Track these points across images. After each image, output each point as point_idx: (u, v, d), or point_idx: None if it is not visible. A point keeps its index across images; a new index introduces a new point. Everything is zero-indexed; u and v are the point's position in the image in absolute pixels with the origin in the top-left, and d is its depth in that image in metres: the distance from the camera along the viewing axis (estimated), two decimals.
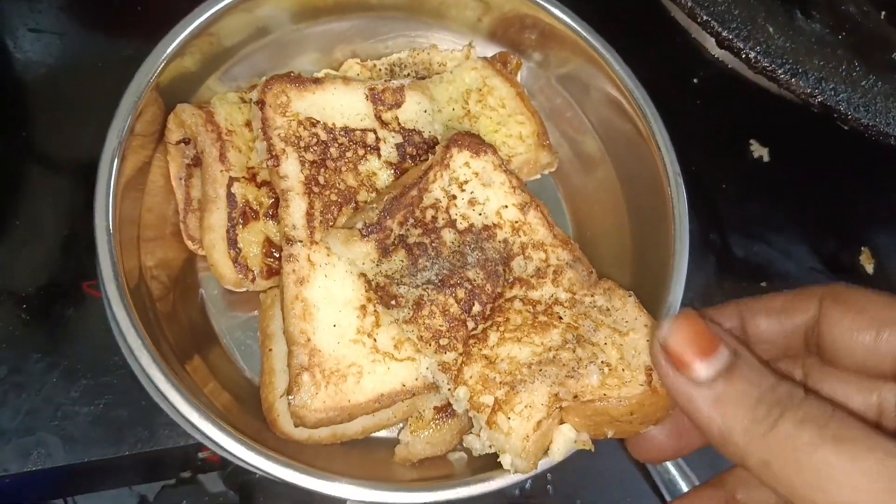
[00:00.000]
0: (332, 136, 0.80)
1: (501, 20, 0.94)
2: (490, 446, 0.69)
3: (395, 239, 0.75)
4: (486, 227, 0.78)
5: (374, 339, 0.73)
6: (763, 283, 1.07)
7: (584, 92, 0.95)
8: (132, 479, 1.11)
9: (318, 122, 0.79)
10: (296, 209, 0.75)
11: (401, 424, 0.79)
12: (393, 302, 0.73)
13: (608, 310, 0.75)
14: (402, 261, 0.74)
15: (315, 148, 0.78)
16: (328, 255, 0.74)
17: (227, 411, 0.74)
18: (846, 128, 0.91)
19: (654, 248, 0.86)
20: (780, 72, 0.89)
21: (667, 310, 0.79)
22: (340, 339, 0.72)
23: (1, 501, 1.02)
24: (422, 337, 0.72)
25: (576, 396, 0.68)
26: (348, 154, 0.79)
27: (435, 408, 0.77)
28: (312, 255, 0.74)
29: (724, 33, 0.90)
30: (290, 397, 0.69)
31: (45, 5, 1.01)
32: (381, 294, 0.74)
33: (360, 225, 0.74)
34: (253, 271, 0.78)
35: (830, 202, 1.14)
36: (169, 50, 0.78)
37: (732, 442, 0.50)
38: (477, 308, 0.74)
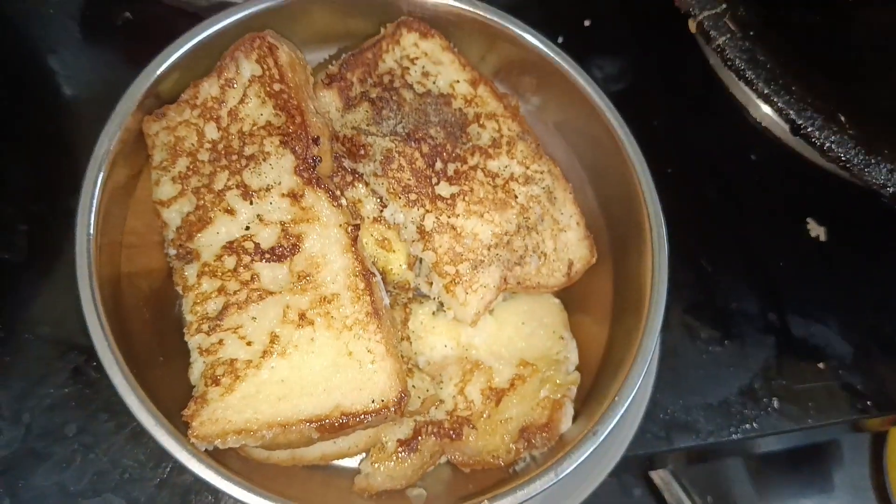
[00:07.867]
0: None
1: (505, 61, 0.94)
2: (438, 300, 0.82)
3: (357, 94, 0.83)
4: (441, 95, 0.87)
5: None
6: (820, 365, 1.04)
7: (581, 140, 0.95)
8: None
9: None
10: None
11: (363, 454, 0.78)
12: (361, 152, 0.79)
13: (551, 192, 0.87)
14: (367, 111, 0.82)
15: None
16: None
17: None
18: None
19: (634, 301, 0.84)
20: (854, 162, 0.89)
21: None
22: None
23: None
24: (391, 190, 0.80)
25: (519, 282, 0.82)
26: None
27: (398, 440, 0.75)
28: None
29: (800, 122, 0.90)
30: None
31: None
32: (348, 146, 0.80)
33: (322, 76, 0.83)
34: None
35: (888, 283, 1.11)
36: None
37: None
38: (440, 165, 0.82)
